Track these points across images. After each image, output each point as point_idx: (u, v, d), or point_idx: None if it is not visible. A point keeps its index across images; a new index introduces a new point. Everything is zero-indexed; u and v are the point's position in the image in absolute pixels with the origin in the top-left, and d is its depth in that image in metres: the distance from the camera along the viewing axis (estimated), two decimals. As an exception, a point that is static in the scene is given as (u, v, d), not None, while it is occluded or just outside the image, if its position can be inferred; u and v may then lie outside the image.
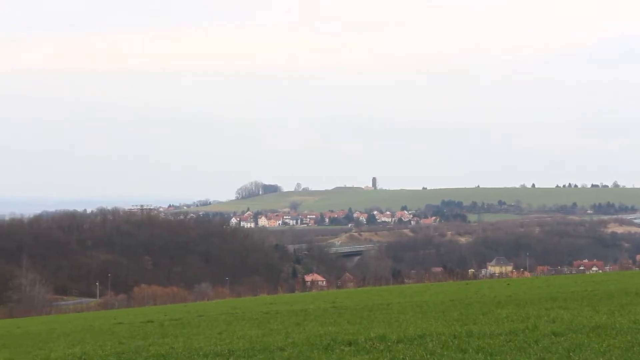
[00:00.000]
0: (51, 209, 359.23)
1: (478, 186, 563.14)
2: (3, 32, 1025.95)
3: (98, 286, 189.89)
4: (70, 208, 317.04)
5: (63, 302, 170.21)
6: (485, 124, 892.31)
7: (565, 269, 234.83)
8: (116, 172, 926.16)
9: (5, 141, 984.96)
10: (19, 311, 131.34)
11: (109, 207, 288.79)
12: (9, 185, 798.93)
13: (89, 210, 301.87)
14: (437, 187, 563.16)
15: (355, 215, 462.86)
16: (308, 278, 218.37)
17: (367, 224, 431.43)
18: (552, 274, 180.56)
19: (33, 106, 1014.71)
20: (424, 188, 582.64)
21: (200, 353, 20.93)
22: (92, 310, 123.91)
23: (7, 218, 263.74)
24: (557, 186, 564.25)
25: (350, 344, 21.03)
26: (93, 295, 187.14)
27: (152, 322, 42.91)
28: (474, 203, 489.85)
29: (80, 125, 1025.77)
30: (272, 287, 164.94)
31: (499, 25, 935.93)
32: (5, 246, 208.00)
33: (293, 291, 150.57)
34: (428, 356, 18.43)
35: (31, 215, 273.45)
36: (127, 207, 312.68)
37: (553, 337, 20.36)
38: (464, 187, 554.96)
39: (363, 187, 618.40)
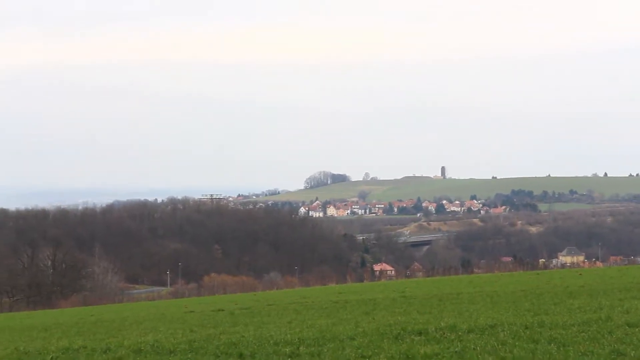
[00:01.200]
0: (123, 198, 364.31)
1: (549, 175, 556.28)
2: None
3: (169, 275, 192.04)
4: (142, 198, 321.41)
5: (135, 291, 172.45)
6: (556, 112, 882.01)
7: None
8: (187, 162, 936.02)
9: (78, 134, 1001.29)
10: (92, 299, 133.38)
11: (180, 197, 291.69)
12: (82, 176, 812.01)
13: (159, 200, 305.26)
14: (507, 177, 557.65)
15: (424, 204, 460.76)
16: (376, 267, 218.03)
17: (436, 213, 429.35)
18: (626, 265, 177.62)
19: (105, 99, 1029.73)
20: (493, 177, 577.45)
21: (271, 341, 21.00)
22: (163, 299, 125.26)
23: (80, 208, 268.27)
24: (631, 175, 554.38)
25: (420, 334, 20.93)
26: (164, 284, 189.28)
27: (223, 310, 43.24)
28: (545, 192, 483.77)
29: (152, 117, 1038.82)
30: (340, 277, 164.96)
31: (571, 15, 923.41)
32: (79, 235, 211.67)
33: (362, 281, 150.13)
34: (500, 346, 18.26)
35: (103, 205, 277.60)
36: (197, 196, 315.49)
37: (627, 327, 20.02)
38: (534, 176, 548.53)
39: (432, 176, 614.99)
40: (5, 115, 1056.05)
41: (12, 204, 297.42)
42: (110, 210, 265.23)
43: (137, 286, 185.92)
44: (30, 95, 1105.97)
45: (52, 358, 20.43)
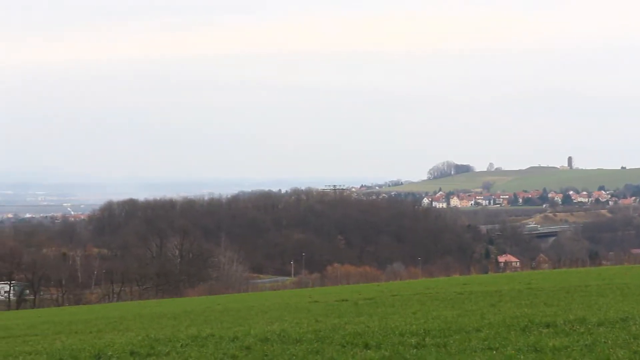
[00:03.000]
0: (247, 189, 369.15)
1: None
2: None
3: (292, 265, 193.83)
4: (266, 188, 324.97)
5: (259, 280, 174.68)
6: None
7: None
8: (310, 153, 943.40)
9: (206, 126, 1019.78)
10: (217, 288, 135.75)
11: (303, 188, 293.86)
12: (208, 167, 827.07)
13: (283, 191, 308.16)
14: (638, 167, 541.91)
15: (549, 195, 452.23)
16: (501, 259, 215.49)
17: (562, 204, 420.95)
18: None
19: (234, 92, 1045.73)
20: (622, 167, 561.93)
21: (396, 332, 20.95)
22: (287, 289, 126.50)
23: (206, 198, 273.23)
24: None
25: (548, 326, 20.56)
26: (288, 274, 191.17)
27: (347, 300, 43.38)
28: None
29: (278, 110, 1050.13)
30: (464, 268, 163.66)
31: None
32: (205, 225, 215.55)
33: (486, 272, 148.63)
34: (632, 340, 17.78)
35: (229, 196, 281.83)
36: (320, 187, 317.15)
37: None
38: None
39: (558, 166, 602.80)
40: (135, 108, 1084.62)
41: (141, 195, 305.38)
42: (235, 201, 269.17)
43: (261, 276, 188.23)
44: (164, 87, 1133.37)
45: (181, 345, 20.84)
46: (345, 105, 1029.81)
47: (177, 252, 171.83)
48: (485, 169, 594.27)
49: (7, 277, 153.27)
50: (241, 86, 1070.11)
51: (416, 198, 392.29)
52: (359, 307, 36.31)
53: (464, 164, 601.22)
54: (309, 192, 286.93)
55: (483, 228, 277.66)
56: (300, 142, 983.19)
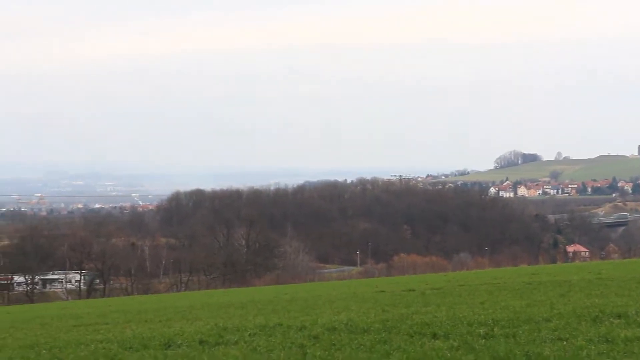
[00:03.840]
0: (313, 179, 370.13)
1: None
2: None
3: (358, 254, 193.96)
4: (332, 178, 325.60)
5: (325, 270, 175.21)
6: None
7: None
8: (376, 143, 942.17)
9: (269, 117, 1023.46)
10: (284, 278, 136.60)
11: (369, 177, 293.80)
12: (274, 157, 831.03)
13: (349, 181, 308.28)
14: None
15: (619, 184, 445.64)
16: (570, 249, 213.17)
17: (632, 193, 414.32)
18: None
19: (290, 82, 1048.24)
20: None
21: (465, 322, 20.82)
22: (353, 278, 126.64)
23: (272, 188, 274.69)
24: None
25: (619, 317, 20.26)
26: (353, 264, 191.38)
27: (414, 290, 43.25)
28: None
29: (343, 99, 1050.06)
30: (532, 258, 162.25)
31: None
32: (271, 215, 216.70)
33: (554, 262, 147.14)
34: None
35: (295, 186, 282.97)
36: (385, 177, 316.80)
37: None
38: None
39: (628, 155, 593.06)
40: (202, 99, 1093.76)
41: (208, 185, 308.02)
42: (301, 191, 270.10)
43: (327, 265, 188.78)
44: (232, 78, 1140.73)
45: (249, 334, 20.96)
46: (411, 95, 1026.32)
47: (243, 241, 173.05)
48: (553, 158, 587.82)
49: (78, 267, 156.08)
50: (311, 76, 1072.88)
51: (483, 187, 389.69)
52: (426, 297, 36.16)
53: (532, 153, 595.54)
54: (374, 182, 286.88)
55: (551, 217, 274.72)
56: (366, 132, 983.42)
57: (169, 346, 19.66)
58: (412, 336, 19.04)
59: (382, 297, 38.32)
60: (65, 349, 20.61)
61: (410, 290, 44.04)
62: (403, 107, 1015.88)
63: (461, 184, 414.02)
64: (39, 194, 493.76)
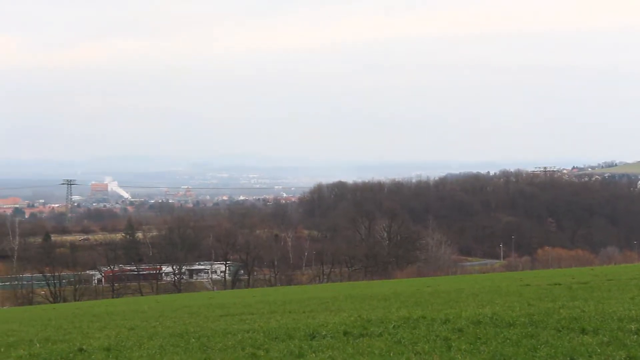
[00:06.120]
0: (455, 171, 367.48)
1: None
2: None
3: (501, 248, 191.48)
4: (474, 170, 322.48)
5: (467, 263, 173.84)
6: None
7: None
8: (520, 134, 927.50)
9: (411, 109, 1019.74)
10: (425, 270, 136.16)
11: (512, 170, 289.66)
12: (415, 150, 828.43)
13: (492, 173, 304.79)
14: None
15: None
16: None
17: None
18: None
19: (433, 73, 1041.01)
20: None
21: (615, 317, 20.25)
22: (496, 272, 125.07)
23: (413, 181, 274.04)
24: None
25: None
26: (496, 257, 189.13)
27: (559, 284, 42.35)
28: None
29: (481, 91, 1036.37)
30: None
31: None
32: (413, 207, 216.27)
33: None
34: None
35: (436, 178, 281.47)
36: (529, 169, 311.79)
37: None
38: None
39: None
40: (343, 92, 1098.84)
41: (349, 177, 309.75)
42: (443, 183, 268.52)
43: (469, 258, 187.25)
44: (373, 70, 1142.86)
45: (393, 327, 20.92)
46: (560, 86, 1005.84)
47: (385, 234, 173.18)
48: None
49: (223, 257, 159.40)
50: (451, 67, 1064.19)
51: (631, 179, 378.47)
52: (573, 291, 35.32)
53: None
54: (518, 174, 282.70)
55: None
56: (509, 125, 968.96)
57: (314, 337, 19.82)
58: (560, 331, 18.65)
59: (527, 291, 37.65)
60: (213, 338, 21.05)
61: (556, 284, 43.13)
62: (550, 98, 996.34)
63: (608, 176, 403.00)
64: (186, 186, 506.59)
